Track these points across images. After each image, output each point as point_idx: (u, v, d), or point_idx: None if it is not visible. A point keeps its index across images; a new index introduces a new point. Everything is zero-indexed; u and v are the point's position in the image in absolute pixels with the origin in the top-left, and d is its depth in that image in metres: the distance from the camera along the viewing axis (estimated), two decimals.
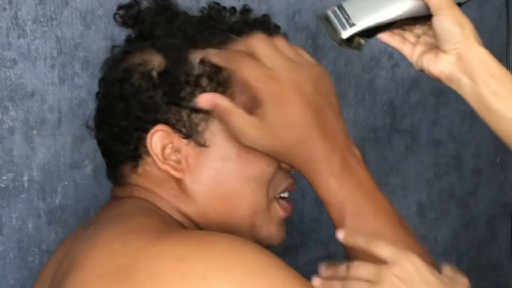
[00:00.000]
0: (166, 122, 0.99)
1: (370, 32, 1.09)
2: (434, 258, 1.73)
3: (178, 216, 1.01)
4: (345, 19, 1.08)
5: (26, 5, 1.40)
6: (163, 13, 1.03)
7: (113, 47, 1.05)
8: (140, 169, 1.01)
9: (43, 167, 1.46)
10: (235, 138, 0.98)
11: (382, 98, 1.72)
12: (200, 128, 0.99)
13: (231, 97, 0.98)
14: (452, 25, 1.03)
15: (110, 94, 1.03)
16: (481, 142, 1.84)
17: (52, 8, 1.41)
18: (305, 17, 1.59)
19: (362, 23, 1.08)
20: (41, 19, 1.41)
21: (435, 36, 1.05)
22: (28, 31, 1.41)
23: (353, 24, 1.08)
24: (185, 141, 0.99)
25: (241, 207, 1.01)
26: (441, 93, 1.77)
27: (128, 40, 1.05)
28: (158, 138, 0.99)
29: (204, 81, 0.99)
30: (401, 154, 1.75)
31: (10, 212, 1.45)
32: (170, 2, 1.04)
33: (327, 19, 1.09)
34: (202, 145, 0.99)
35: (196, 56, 1.00)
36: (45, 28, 1.41)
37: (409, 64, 1.81)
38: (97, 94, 1.06)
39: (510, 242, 1.87)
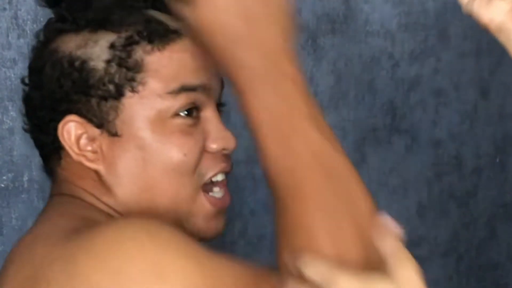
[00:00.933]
0: (77, 112, 0.95)
1: None
2: (434, 258, 1.74)
3: (105, 208, 0.96)
4: None
5: (26, 5, 1.39)
6: None
7: (37, 32, 1.01)
8: (62, 162, 0.98)
9: (43, 167, 1.46)
10: (149, 123, 0.94)
11: (382, 98, 1.72)
12: (110, 117, 0.94)
13: (143, 82, 0.94)
14: None
15: (29, 83, 1.00)
16: (481, 142, 1.84)
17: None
18: (305, 17, 1.59)
19: None
20: (41, 19, 1.41)
21: None
22: (28, 31, 1.41)
23: None
24: (98, 130, 0.95)
25: (161, 199, 0.95)
26: (441, 93, 1.77)
27: (48, 23, 1.00)
28: (70, 129, 0.95)
29: (113, 68, 0.94)
30: (401, 154, 1.75)
31: (10, 212, 1.45)
32: None
33: None
34: (114, 134, 0.94)
35: (106, 40, 0.95)
36: None
37: (409, 64, 1.82)
38: (21, 80, 1.02)
39: (510, 242, 1.87)
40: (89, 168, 0.96)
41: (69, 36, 0.97)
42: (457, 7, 1.78)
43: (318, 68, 1.62)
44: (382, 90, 1.72)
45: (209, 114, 0.98)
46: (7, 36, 1.40)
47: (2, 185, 1.44)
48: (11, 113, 1.42)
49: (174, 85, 0.95)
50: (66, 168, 0.98)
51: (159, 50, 0.95)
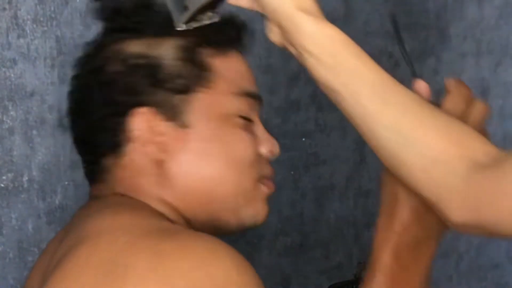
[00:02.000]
0: (147, 105, 0.98)
1: (213, 4, 1.01)
2: (434, 258, 1.73)
3: (161, 207, 0.99)
4: (180, 3, 1.01)
5: (26, 5, 1.40)
6: (139, 3, 1.03)
7: (87, 44, 1.04)
8: (122, 159, 0.99)
9: (43, 167, 1.46)
10: (217, 118, 0.99)
11: None
12: (180, 110, 0.98)
13: (211, 80, 0.99)
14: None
15: (88, 84, 1.02)
16: None
17: (52, 8, 1.41)
18: None
19: (194, 4, 1.01)
20: (41, 19, 1.41)
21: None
22: (28, 31, 1.41)
23: (186, 7, 1.01)
24: (167, 123, 0.98)
25: (222, 189, 1.00)
26: (441, 93, 1.77)
27: (103, 33, 1.04)
28: (141, 120, 0.98)
29: (182, 64, 0.99)
30: None
31: (10, 212, 1.45)
32: None
33: (170, 3, 1.02)
34: (183, 126, 0.98)
35: (173, 43, 1.00)
36: (45, 28, 1.41)
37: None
38: (70, 92, 1.04)
39: (510, 242, 1.87)
40: (152, 162, 0.99)
41: (132, 40, 1.01)
42: (457, 7, 1.78)
43: None
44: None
45: (256, 121, 1.04)
46: (7, 36, 1.40)
47: (2, 185, 1.44)
48: (11, 113, 1.42)
49: (238, 89, 1.01)
50: (126, 165, 1.00)
51: (222, 55, 1.02)
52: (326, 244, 1.73)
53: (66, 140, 1.46)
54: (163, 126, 0.98)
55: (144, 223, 0.93)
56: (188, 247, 0.88)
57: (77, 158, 1.48)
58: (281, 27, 0.95)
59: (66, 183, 1.48)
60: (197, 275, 0.86)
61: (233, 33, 1.06)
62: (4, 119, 1.42)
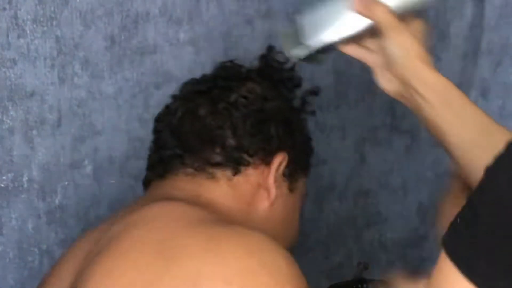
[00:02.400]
0: (288, 152, 1.15)
1: (329, 48, 1.11)
2: (434, 258, 1.72)
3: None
4: (300, 38, 1.11)
5: (25, 5, 1.39)
6: None
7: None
8: (236, 177, 1.12)
9: (43, 167, 1.46)
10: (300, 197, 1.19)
11: (382, 98, 1.71)
12: (296, 177, 1.17)
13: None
14: (397, 49, 1.08)
15: (270, 99, 1.16)
16: None
17: (52, 8, 1.41)
18: None
19: (318, 43, 1.10)
20: (41, 19, 1.41)
21: (384, 54, 1.10)
22: (28, 31, 1.41)
23: (308, 45, 1.09)
24: (284, 178, 1.15)
25: (292, 232, 1.21)
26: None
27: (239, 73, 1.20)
28: (280, 160, 1.14)
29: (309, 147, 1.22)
30: (401, 154, 1.75)
31: (9, 212, 1.45)
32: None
33: (285, 36, 1.11)
34: (291, 189, 1.17)
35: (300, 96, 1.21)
36: (45, 28, 1.41)
37: None
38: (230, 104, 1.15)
39: None
40: (254, 196, 1.13)
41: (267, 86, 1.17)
42: (457, 7, 1.78)
43: (318, 68, 1.62)
44: (382, 90, 1.72)
45: None
46: (7, 36, 1.40)
47: (2, 185, 1.44)
48: (11, 113, 1.42)
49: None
50: (234, 183, 1.12)
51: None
52: (326, 244, 1.73)
53: (65, 140, 1.46)
54: (280, 177, 1.15)
55: (200, 213, 1.03)
56: (242, 235, 0.98)
57: (77, 158, 1.49)
58: (403, 77, 1.08)
59: (66, 183, 1.48)
60: (250, 261, 0.94)
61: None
62: (4, 119, 1.42)
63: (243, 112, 1.13)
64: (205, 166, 1.12)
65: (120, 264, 0.97)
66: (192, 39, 1.51)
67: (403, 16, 1.10)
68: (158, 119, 1.20)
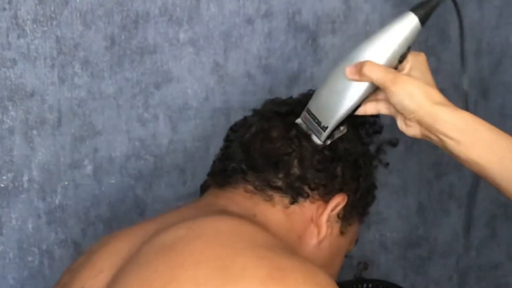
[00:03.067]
0: (347, 195, 1.15)
1: (344, 119, 1.12)
2: (434, 258, 1.72)
3: None
4: (317, 123, 1.12)
5: (26, 5, 1.39)
6: None
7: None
8: (293, 207, 1.12)
9: (43, 167, 1.46)
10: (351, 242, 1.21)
11: None
12: (350, 221, 1.17)
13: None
14: (402, 98, 1.08)
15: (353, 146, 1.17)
16: None
17: (52, 8, 1.41)
18: (305, 17, 1.59)
19: (333, 121, 1.13)
20: (41, 19, 1.41)
21: (393, 106, 1.10)
22: (28, 31, 1.41)
23: (325, 127, 1.12)
24: (337, 219, 1.15)
25: (330, 272, 1.17)
26: (441, 93, 1.77)
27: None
28: (340, 205, 1.14)
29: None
30: (401, 154, 1.75)
31: (9, 212, 1.45)
32: None
33: (303, 125, 1.14)
34: (342, 232, 1.16)
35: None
36: (45, 28, 1.41)
37: None
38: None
39: (510, 242, 1.87)
40: (305, 231, 1.13)
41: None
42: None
43: (318, 68, 1.62)
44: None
45: None
46: (7, 36, 1.40)
47: (2, 185, 1.44)
48: (11, 113, 1.42)
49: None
50: (287, 213, 1.12)
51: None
52: None
53: (65, 140, 1.46)
54: (334, 218, 1.14)
55: (264, 236, 1.03)
56: (309, 271, 0.97)
57: (77, 158, 1.49)
58: (421, 122, 1.09)
59: (66, 183, 1.48)
60: None
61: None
62: (4, 119, 1.42)
63: (314, 145, 1.13)
64: (265, 187, 1.12)
65: (178, 276, 0.95)
66: (192, 39, 1.51)
67: (400, 59, 1.11)
68: (232, 129, 1.21)
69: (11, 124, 1.43)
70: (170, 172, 1.54)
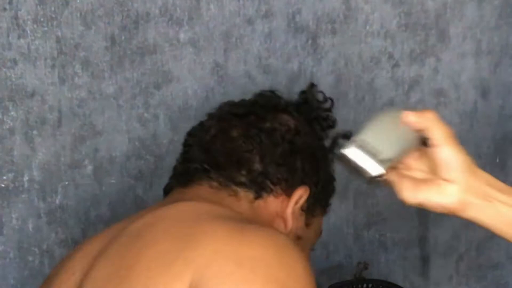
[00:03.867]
0: (310, 187, 1.17)
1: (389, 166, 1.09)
2: (434, 258, 1.72)
3: None
4: (372, 154, 1.06)
5: (26, 5, 1.39)
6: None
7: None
8: (257, 202, 1.14)
9: (43, 167, 1.46)
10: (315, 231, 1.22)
11: (382, 98, 1.72)
12: (315, 213, 1.19)
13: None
14: (458, 154, 1.05)
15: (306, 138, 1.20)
16: (481, 142, 1.84)
17: (53, 8, 1.41)
18: (305, 17, 1.59)
19: (392, 155, 1.07)
20: (41, 19, 1.41)
21: (435, 166, 1.05)
22: (29, 31, 1.41)
23: (386, 159, 1.06)
24: (301, 211, 1.17)
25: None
26: (441, 93, 1.77)
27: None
28: (301, 194, 1.16)
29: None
30: None
31: (10, 212, 1.45)
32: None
33: (348, 157, 1.07)
34: (307, 224, 1.19)
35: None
36: (46, 28, 1.41)
37: (409, 64, 1.82)
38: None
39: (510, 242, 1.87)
40: (273, 224, 1.15)
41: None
42: (457, 7, 1.78)
43: (318, 68, 1.62)
44: (382, 90, 1.72)
45: None
46: (8, 36, 1.40)
47: (3, 185, 1.44)
48: (12, 113, 1.42)
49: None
50: (254, 207, 1.14)
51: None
52: (326, 244, 1.73)
53: (66, 140, 1.46)
54: (298, 209, 1.17)
55: (226, 211, 1.07)
56: (269, 233, 1.01)
57: (77, 158, 1.49)
58: (468, 184, 1.06)
59: (66, 183, 1.48)
60: (265, 251, 0.97)
61: None
62: (5, 119, 1.42)
63: (273, 141, 1.16)
64: (229, 183, 1.14)
65: (144, 254, 0.99)
66: (192, 39, 1.51)
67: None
68: (190, 134, 1.23)
69: (11, 124, 1.43)
70: (170, 172, 1.54)
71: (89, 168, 1.49)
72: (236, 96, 1.56)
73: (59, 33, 1.42)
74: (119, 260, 1.01)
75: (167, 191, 1.20)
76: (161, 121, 1.52)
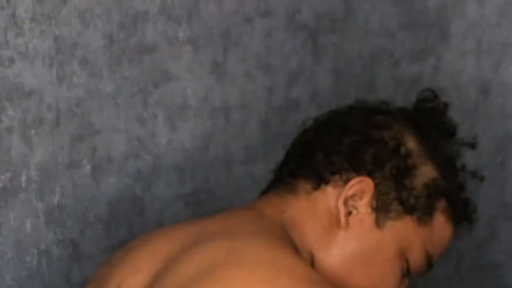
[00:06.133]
0: (375, 180, 1.10)
1: None
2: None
3: (304, 253, 1.06)
4: None
5: (24, 3, 1.39)
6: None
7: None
8: (315, 192, 1.10)
9: (41, 166, 1.45)
10: (397, 246, 1.10)
11: (382, 97, 1.71)
12: (388, 214, 1.10)
13: (423, 222, 1.15)
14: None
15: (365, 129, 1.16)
16: (481, 142, 1.83)
17: (50, 7, 1.41)
18: (305, 16, 1.59)
19: None
20: (39, 17, 1.41)
21: None
22: (26, 30, 1.40)
23: None
24: (370, 210, 1.09)
25: (355, 283, 1.09)
26: (441, 92, 1.76)
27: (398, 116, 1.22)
28: (360, 186, 1.09)
29: (423, 188, 1.14)
30: None
31: (8, 212, 1.45)
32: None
33: None
34: (377, 224, 1.09)
35: (434, 166, 1.17)
36: (43, 27, 1.41)
37: (410, 63, 1.81)
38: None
39: (511, 242, 1.87)
40: (331, 217, 1.09)
41: (414, 137, 1.18)
42: (458, 6, 1.78)
43: (318, 67, 1.62)
44: (382, 89, 1.71)
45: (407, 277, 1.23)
46: (5, 35, 1.39)
47: (0, 185, 1.44)
48: (9, 112, 1.42)
49: (430, 249, 1.21)
50: (312, 199, 1.11)
51: (447, 217, 1.22)
52: None
53: (64, 140, 1.46)
54: (364, 208, 1.09)
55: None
56: (271, 249, 0.98)
57: (75, 157, 1.48)
58: None
59: (65, 183, 1.47)
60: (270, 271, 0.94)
61: (469, 217, 1.23)
62: (2, 118, 1.42)
63: (338, 132, 1.16)
64: (288, 177, 1.14)
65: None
66: (191, 38, 1.51)
67: None
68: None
69: (9, 123, 1.42)
70: (169, 172, 1.54)
71: (88, 167, 1.48)
72: (235, 96, 1.56)
73: (57, 32, 1.42)
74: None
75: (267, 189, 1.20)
76: (160, 121, 1.52)
